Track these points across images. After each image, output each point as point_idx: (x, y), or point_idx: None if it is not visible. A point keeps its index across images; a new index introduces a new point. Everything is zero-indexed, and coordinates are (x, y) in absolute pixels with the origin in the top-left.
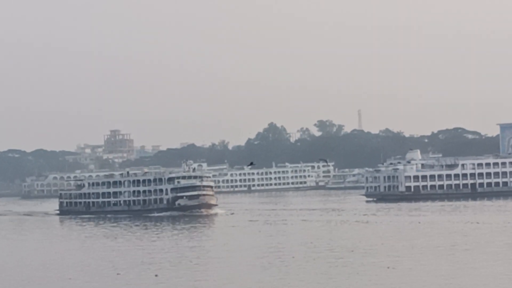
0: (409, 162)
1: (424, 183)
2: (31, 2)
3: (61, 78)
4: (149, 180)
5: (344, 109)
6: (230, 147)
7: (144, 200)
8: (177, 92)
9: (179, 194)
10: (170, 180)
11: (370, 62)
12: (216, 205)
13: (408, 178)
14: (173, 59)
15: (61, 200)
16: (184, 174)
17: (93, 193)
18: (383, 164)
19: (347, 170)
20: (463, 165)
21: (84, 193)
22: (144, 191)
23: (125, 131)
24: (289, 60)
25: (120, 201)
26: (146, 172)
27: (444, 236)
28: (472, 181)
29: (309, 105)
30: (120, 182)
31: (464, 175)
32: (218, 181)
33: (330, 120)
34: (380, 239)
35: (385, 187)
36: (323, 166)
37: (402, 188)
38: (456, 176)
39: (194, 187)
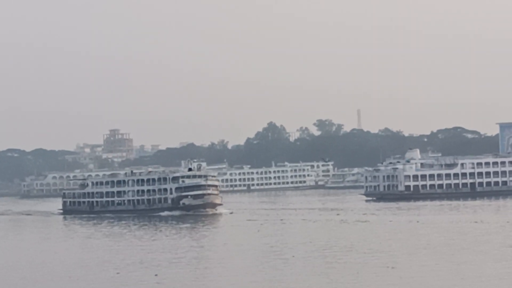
0: (408, 161)
1: (424, 183)
2: (30, 3)
3: (61, 77)
4: (154, 179)
5: (343, 109)
6: (229, 146)
7: (149, 200)
8: (176, 92)
9: (183, 194)
10: (175, 179)
11: (370, 62)
12: (221, 204)
13: (407, 177)
14: (172, 58)
15: (64, 199)
16: (189, 173)
17: (97, 193)
18: (382, 163)
19: (346, 169)
20: (462, 164)
21: (88, 193)
22: (149, 191)
23: (124, 130)
24: (289, 60)
25: (124, 200)
26: (150, 171)
27: (444, 236)
28: (471, 181)
29: (308, 105)
30: (124, 181)
31: (464, 175)
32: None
33: (330, 119)
34: (379, 238)
35: (384, 186)
36: (323, 165)
37: (401, 188)
38: (456, 175)
39: (198, 187)
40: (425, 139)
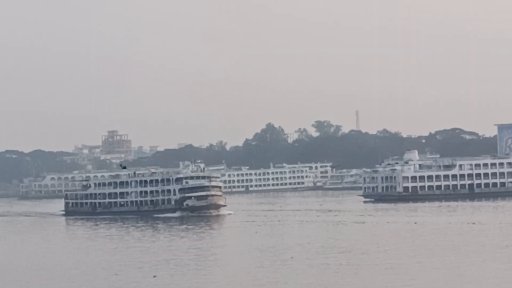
0: (406, 162)
1: (422, 184)
2: (28, 3)
3: (59, 79)
4: (157, 181)
5: (341, 110)
6: (227, 147)
7: (152, 201)
8: (174, 93)
9: (187, 195)
10: (178, 180)
11: (368, 63)
12: (224, 205)
13: (405, 178)
14: (171, 59)
15: (66, 200)
16: (192, 174)
17: (99, 194)
18: (380, 164)
19: (344, 170)
20: (460, 165)
21: (90, 194)
22: (152, 192)
23: (122, 131)
24: (287, 61)
25: (127, 201)
26: (153, 172)
27: (442, 237)
28: (469, 182)
29: (306, 106)
30: (127, 182)
31: (462, 176)
32: None
33: (328, 120)
34: (377, 239)
35: (382, 187)
36: (321, 166)
37: (399, 189)
38: (454, 176)
39: (202, 188)
40: (423, 140)
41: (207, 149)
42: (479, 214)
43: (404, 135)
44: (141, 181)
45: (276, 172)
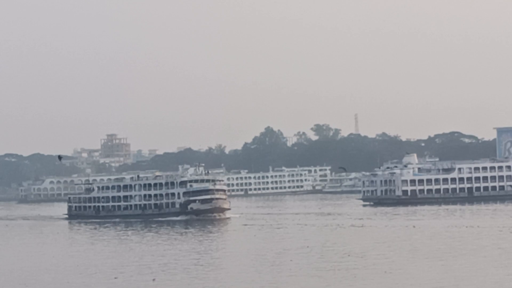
0: (405, 166)
1: (421, 187)
2: (26, 7)
3: (58, 82)
4: (161, 184)
5: (341, 113)
6: (226, 151)
7: (156, 204)
8: (173, 96)
9: (191, 198)
10: (183, 183)
11: (367, 66)
12: (229, 209)
13: (404, 182)
14: (170, 63)
15: (69, 204)
16: (197, 177)
17: (102, 197)
18: (379, 168)
19: (344, 174)
20: (459, 169)
21: (94, 197)
22: (156, 195)
23: (121, 135)
24: (286, 64)
25: (131, 205)
26: (157, 176)
27: (440, 240)
28: (468, 185)
29: (305, 109)
30: (130, 186)
31: (461, 179)
32: None
33: (327, 124)
34: (376, 243)
35: (381, 191)
36: (320, 170)
37: (398, 192)
38: (453, 180)
39: (207, 191)
40: (423, 144)
41: (206, 152)
42: (478, 217)
43: (403, 139)
44: (145, 185)
45: (275, 176)
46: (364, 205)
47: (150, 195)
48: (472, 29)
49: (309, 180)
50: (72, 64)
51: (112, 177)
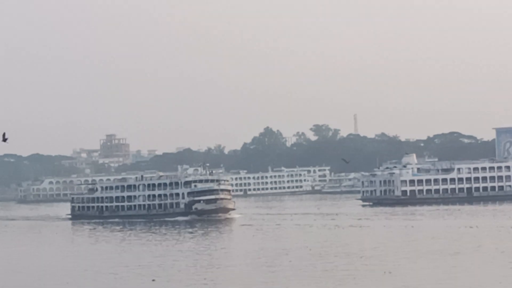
0: (405, 166)
1: (420, 188)
2: (26, 9)
3: (57, 82)
4: (165, 184)
5: (340, 114)
6: (226, 151)
7: (160, 204)
8: (173, 97)
9: (196, 198)
10: (187, 183)
11: (366, 67)
12: (233, 209)
13: (404, 182)
14: (169, 63)
15: (73, 204)
16: (201, 177)
17: (106, 197)
18: (379, 168)
19: (343, 174)
20: (459, 169)
21: (97, 197)
22: (160, 195)
23: (121, 135)
24: (285, 64)
25: (134, 205)
26: (161, 176)
27: (439, 241)
28: (468, 186)
29: (305, 110)
30: (134, 186)
31: (460, 180)
32: None
33: (326, 124)
34: (375, 243)
35: (381, 191)
36: (319, 170)
37: (398, 193)
38: (452, 180)
39: (211, 191)
40: (422, 144)
41: (205, 153)
42: (477, 218)
43: (402, 139)
44: (149, 185)
45: (275, 176)
46: (363, 205)
47: (154, 195)
48: (472, 29)
49: (308, 181)
50: (71, 65)
51: (112, 178)
